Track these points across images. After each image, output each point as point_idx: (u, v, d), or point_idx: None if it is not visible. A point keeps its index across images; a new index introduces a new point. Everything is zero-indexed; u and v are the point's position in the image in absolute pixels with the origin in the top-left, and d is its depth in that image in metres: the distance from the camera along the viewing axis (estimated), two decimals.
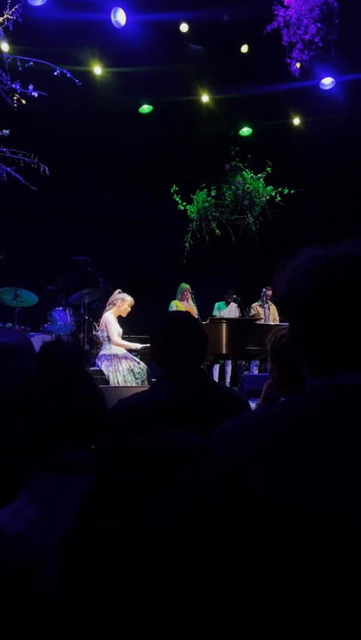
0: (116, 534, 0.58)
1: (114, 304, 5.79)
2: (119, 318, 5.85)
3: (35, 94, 6.08)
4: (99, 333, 5.99)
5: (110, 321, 5.67)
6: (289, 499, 0.73)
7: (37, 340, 6.85)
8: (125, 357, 5.61)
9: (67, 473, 1.00)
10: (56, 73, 6.02)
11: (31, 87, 6.10)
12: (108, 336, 5.70)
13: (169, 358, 1.85)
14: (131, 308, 5.84)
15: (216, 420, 1.70)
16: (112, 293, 6.12)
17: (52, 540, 0.89)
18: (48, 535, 0.92)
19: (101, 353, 5.72)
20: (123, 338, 5.91)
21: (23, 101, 6.04)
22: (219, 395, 1.89)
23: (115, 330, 5.67)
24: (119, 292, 5.88)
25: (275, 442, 0.79)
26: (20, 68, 5.97)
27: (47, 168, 6.11)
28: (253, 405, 2.17)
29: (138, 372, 5.51)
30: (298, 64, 6.12)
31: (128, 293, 5.92)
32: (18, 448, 1.06)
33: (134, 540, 0.57)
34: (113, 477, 0.63)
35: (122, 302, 5.75)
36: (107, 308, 5.87)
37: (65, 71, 6.06)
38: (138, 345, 5.82)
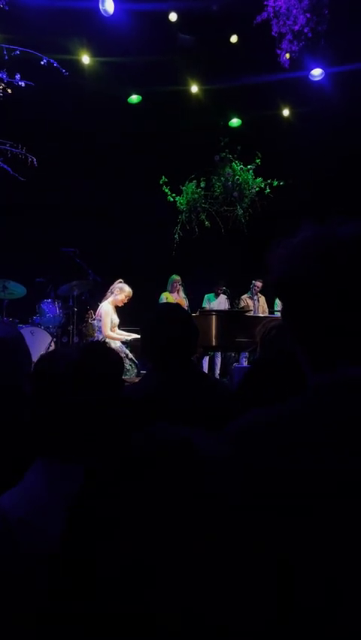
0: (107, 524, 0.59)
1: (112, 293, 5.76)
2: (117, 308, 5.82)
3: (22, 83, 6.01)
4: (95, 322, 5.97)
5: (106, 312, 5.65)
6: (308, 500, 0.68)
7: (27, 332, 6.83)
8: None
9: (68, 461, 1.00)
10: (42, 63, 5.95)
11: (18, 76, 6.04)
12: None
13: (159, 350, 1.85)
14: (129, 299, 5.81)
15: (206, 412, 1.70)
16: (101, 285, 6.09)
17: (56, 526, 0.90)
18: (52, 521, 0.92)
19: None
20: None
21: (9, 90, 5.98)
22: (210, 387, 1.90)
23: (109, 322, 5.64)
24: (120, 282, 5.83)
25: (291, 443, 0.73)
26: (7, 57, 5.91)
27: (34, 159, 6.06)
28: None
29: (127, 370, 5.49)
30: (287, 55, 6.10)
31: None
32: (21, 434, 1.07)
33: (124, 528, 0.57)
34: (102, 473, 0.63)
35: (119, 291, 5.72)
36: (105, 296, 5.84)
37: (52, 61, 5.99)
38: (129, 337, 5.82)
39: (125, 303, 5.83)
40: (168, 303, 6.61)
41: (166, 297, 7.83)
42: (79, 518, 0.63)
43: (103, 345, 1.15)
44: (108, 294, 5.82)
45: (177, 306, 2.09)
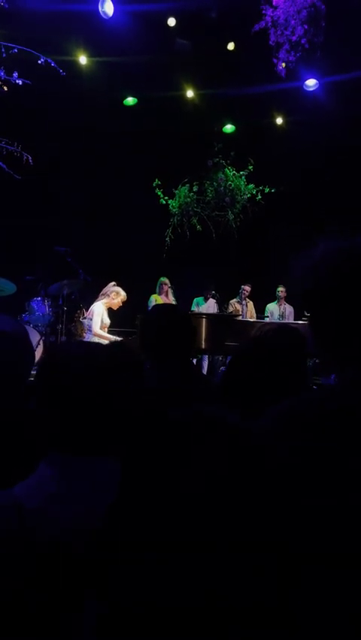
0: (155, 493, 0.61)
1: (107, 295, 5.74)
2: (109, 311, 5.82)
3: (20, 82, 6.01)
4: (86, 321, 5.96)
5: (97, 312, 5.64)
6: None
7: None
8: None
9: (81, 454, 1.01)
10: (40, 62, 5.96)
11: (15, 74, 6.03)
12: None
13: (159, 350, 1.88)
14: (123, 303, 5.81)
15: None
16: (91, 284, 6.07)
17: (72, 516, 0.92)
18: (68, 511, 0.94)
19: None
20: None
21: (5, 88, 5.97)
22: (206, 388, 1.94)
23: (99, 321, 5.64)
24: (114, 285, 5.82)
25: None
26: (4, 55, 5.90)
27: (30, 157, 6.06)
28: None
29: None
30: (283, 65, 6.17)
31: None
32: (27, 427, 1.07)
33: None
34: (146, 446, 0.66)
35: (116, 295, 5.71)
36: (98, 298, 5.82)
37: (49, 60, 6.00)
38: (118, 339, 5.82)
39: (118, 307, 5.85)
40: (167, 304, 6.64)
41: (155, 299, 7.85)
42: (125, 495, 0.66)
43: (125, 345, 1.16)
44: (102, 295, 5.81)
45: (177, 306, 2.12)
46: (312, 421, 0.80)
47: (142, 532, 0.65)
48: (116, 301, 5.71)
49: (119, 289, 5.76)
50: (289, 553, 0.65)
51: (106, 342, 5.70)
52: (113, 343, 1.07)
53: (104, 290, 5.82)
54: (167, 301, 7.75)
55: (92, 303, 5.91)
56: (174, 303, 7.78)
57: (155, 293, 7.93)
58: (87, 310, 6.12)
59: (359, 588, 0.68)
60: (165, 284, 7.91)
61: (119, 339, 5.79)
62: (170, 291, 7.91)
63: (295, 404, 0.85)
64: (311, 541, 0.69)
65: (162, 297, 7.85)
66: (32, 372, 1.58)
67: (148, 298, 7.87)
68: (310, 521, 0.68)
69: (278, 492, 0.67)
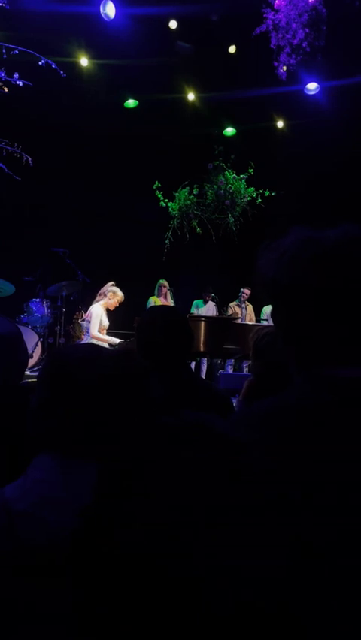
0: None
1: (105, 296, 5.72)
2: (108, 312, 5.80)
3: (20, 83, 6.01)
4: (84, 323, 5.94)
5: (95, 314, 5.62)
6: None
7: None
8: None
9: (72, 456, 1.00)
10: (40, 63, 5.95)
11: (16, 75, 6.03)
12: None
13: (156, 353, 1.86)
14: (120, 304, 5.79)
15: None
16: (90, 286, 6.05)
17: (62, 519, 0.90)
18: (58, 514, 0.93)
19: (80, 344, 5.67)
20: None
21: (6, 89, 5.97)
22: (204, 391, 1.92)
23: (98, 323, 5.62)
24: (112, 285, 5.80)
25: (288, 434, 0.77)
26: (5, 56, 5.90)
27: (30, 158, 6.05)
28: (233, 402, 2.21)
29: None
30: (284, 68, 6.17)
31: None
32: (18, 429, 1.06)
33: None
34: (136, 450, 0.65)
35: (113, 295, 5.69)
36: (96, 299, 5.80)
37: (50, 62, 6.00)
38: (116, 340, 5.80)
39: (115, 307, 5.82)
40: (165, 306, 6.61)
41: (154, 300, 7.84)
42: (105, 500, 0.64)
43: (132, 354, 1.13)
44: (100, 296, 5.79)
45: (174, 308, 2.11)
46: (293, 430, 0.77)
47: (119, 539, 0.64)
48: (113, 301, 5.68)
49: (116, 289, 5.73)
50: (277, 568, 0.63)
51: (105, 344, 5.68)
52: (120, 352, 1.05)
53: (102, 290, 5.80)
54: (165, 303, 7.73)
55: (90, 304, 5.90)
56: (172, 305, 7.77)
57: (153, 295, 7.92)
58: (85, 312, 6.10)
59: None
60: (164, 286, 7.89)
61: (117, 340, 5.78)
62: (169, 294, 7.89)
63: (274, 410, 0.82)
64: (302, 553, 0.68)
65: (161, 300, 7.84)
66: (26, 372, 1.57)
67: (147, 300, 7.86)
68: (299, 536, 0.67)
69: (265, 503, 0.65)
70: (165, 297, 7.89)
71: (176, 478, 0.62)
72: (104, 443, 0.96)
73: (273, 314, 0.90)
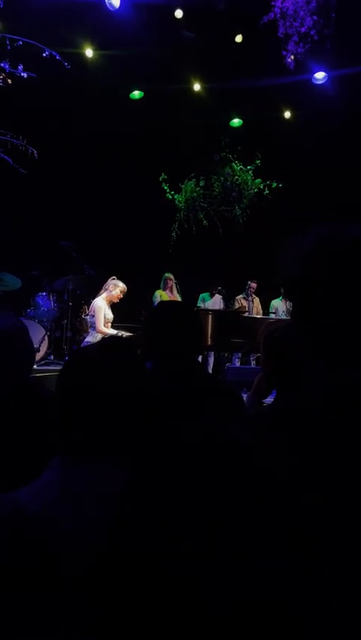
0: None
1: (107, 289, 5.71)
2: (112, 305, 5.78)
3: (25, 74, 5.96)
4: (88, 318, 5.93)
5: (99, 308, 5.59)
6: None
7: None
8: None
9: (87, 461, 1.00)
10: (45, 55, 5.91)
11: (20, 67, 5.98)
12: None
13: (165, 348, 1.83)
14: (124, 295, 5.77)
15: (209, 411, 1.69)
16: (96, 280, 6.03)
17: (72, 522, 0.91)
18: (69, 517, 0.94)
19: (86, 340, 5.66)
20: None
21: (10, 81, 5.93)
22: (214, 386, 1.89)
23: (102, 317, 5.59)
24: (114, 278, 5.79)
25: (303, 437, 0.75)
26: (9, 47, 5.85)
27: (35, 151, 6.01)
28: (244, 397, 2.17)
29: None
30: (292, 57, 6.09)
31: None
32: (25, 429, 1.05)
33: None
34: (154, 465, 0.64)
35: (114, 287, 5.67)
36: (99, 293, 5.79)
37: (54, 53, 5.95)
38: (124, 334, 5.77)
39: (120, 299, 5.79)
40: (173, 300, 6.59)
41: (160, 294, 7.81)
42: (130, 509, 0.64)
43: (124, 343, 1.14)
44: (102, 290, 5.78)
45: (183, 303, 2.07)
46: (311, 437, 0.73)
47: (144, 545, 0.63)
48: (115, 293, 5.65)
49: (118, 281, 5.72)
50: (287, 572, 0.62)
51: None
52: (120, 352, 1.04)
53: (104, 285, 5.80)
54: (171, 297, 7.71)
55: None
56: (178, 298, 7.74)
57: (159, 288, 7.88)
58: (89, 307, 6.08)
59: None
60: (170, 279, 7.86)
61: (125, 334, 5.75)
62: (175, 287, 7.86)
63: (287, 415, 0.79)
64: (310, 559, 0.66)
65: (167, 293, 7.80)
66: (34, 367, 1.55)
67: (153, 293, 7.83)
68: (310, 544, 0.65)
69: (280, 512, 0.63)
70: (171, 291, 7.85)
71: (180, 479, 0.60)
72: (116, 447, 0.97)
73: (293, 313, 0.87)
